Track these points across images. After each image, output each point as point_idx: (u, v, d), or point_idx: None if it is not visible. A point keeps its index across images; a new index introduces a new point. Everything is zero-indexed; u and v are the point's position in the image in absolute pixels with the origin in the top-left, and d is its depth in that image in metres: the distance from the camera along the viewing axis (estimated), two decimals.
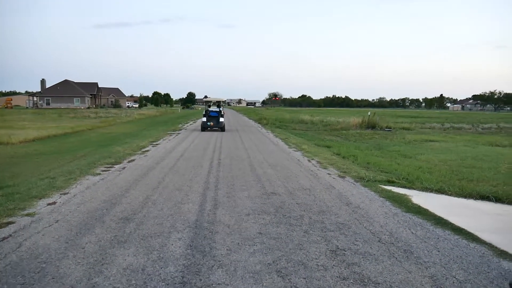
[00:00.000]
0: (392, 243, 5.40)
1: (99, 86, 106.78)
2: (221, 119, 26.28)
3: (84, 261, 4.59)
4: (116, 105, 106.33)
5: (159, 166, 11.35)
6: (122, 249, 5.00)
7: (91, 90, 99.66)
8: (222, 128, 26.21)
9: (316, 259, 4.78)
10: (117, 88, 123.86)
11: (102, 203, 7.19)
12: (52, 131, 24.24)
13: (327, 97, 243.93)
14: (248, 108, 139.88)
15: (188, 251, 4.96)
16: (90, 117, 45.84)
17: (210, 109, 27.25)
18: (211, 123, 26.07)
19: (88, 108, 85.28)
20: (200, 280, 4.20)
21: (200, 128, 26.56)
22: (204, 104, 31.01)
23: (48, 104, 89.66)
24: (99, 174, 10.00)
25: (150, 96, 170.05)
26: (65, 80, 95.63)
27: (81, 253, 4.82)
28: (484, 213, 7.21)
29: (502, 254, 5.04)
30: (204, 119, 26.35)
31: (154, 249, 5.02)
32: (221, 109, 27.23)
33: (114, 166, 11.25)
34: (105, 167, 10.94)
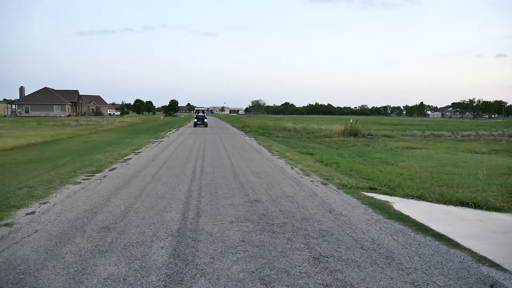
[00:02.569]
0: (374, 249, 5.45)
1: (80, 93, 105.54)
2: (205, 120, 46.19)
3: (64, 272, 4.51)
4: (98, 113, 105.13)
5: (141, 174, 11.25)
6: (103, 258, 4.92)
7: (72, 98, 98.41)
8: (205, 125, 45.14)
9: (299, 266, 4.79)
10: (99, 96, 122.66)
11: (82, 212, 7.09)
12: (31, 140, 23.82)
13: (310, 104, 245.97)
14: (231, 116, 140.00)
15: (171, 260, 4.92)
16: (70, 125, 45.22)
17: (199, 114, 47.56)
18: (199, 122, 45.35)
19: (69, 116, 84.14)
20: None
21: (182, 135, 30.39)
22: (195, 112, 55.30)
23: (27, 112, 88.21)
24: (80, 183, 9.86)
25: (132, 103, 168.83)
26: (45, 87, 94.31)
27: (61, 264, 4.73)
28: (464, 219, 7.33)
29: (481, 259, 5.13)
30: (195, 119, 46.38)
31: (136, 258, 4.96)
32: (204, 114, 47.73)
33: (95, 174, 11.11)
34: (86, 176, 10.79)
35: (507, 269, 4.77)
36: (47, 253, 5.08)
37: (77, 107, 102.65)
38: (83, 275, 4.44)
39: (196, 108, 58.49)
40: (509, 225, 7.00)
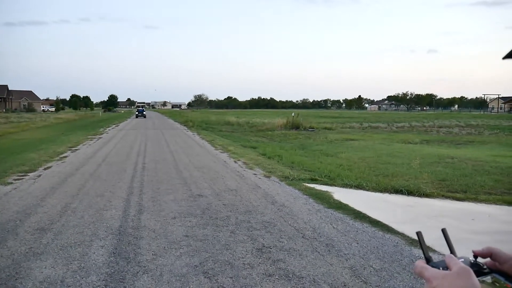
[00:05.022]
0: (315, 238, 5.63)
1: (10, 89, 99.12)
2: (144, 112, 61.95)
3: None
4: (30, 109, 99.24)
5: (79, 173, 10.81)
6: (38, 261, 4.70)
7: (0, 93, 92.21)
8: (144, 116, 59.88)
9: (242, 258, 4.85)
10: (31, 91, 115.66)
11: (14, 214, 6.71)
12: None
13: (252, 98, 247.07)
14: (174, 111, 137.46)
15: (112, 259, 4.79)
16: None
17: (139, 108, 64.79)
18: (140, 114, 60.28)
19: None
20: (125, 287, 4.08)
21: (122, 131, 29.59)
22: (136, 106, 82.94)
23: None
24: (11, 183, 9.31)
25: (68, 99, 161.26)
26: None
27: None
28: (398, 206, 7.75)
29: (414, 242, 5.45)
30: (137, 112, 62.23)
31: (75, 259, 4.78)
32: (143, 108, 66.01)
33: (29, 174, 10.53)
34: (18, 176, 10.20)
35: (436, 250, 5.10)
36: None
37: (7, 103, 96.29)
38: (16, 279, 4.22)
39: (136, 104, 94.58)
40: (439, 209, 7.47)
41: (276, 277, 4.33)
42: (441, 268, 0.83)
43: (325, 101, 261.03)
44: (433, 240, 5.57)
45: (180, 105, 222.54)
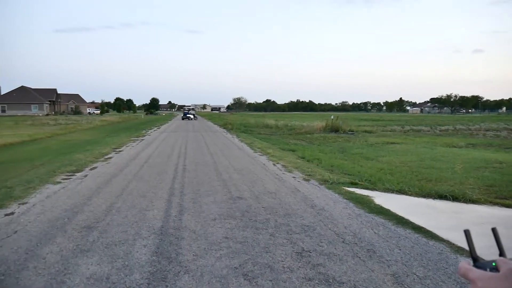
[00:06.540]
0: (356, 243, 5.54)
1: (58, 92, 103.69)
2: (188, 115, 63.19)
3: (45, 272, 4.46)
4: (77, 112, 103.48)
5: (123, 173, 11.15)
6: (85, 258, 4.89)
7: (50, 97, 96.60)
8: (188, 118, 61.91)
9: (282, 261, 4.84)
10: (78, 94, 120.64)
11: (63, 212, 7.00)
12: (8, 139, 23.30)
13: (291, 101, 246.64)
14: (213, 113, 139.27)
15: (154, 258, 4.91)
16: (49, 124, 44.37)
17: (185, 111, 66.16)
18: (185, 117, 62.32)
19: (47, 115, 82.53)
20: (166, 286, 4.16)
21: (163, 133, 30.28)
22: (182, 109, 78.08)
23: (3, 111, 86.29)
24: (60, 182, 9.72)
25: (112, 102, 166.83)
26: (22, 86, 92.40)
27: (42, 264, 4.68)
28: (442, 212, 7.49)
29: (459, 250, 5.26)
30: (182, 115, 65.75)
31: (119, 257, 4.93)
32: (189, 111, 65.76)
33: (76, 174, 10.96)
34: (66, 175, 10.64)
35: (483, 259, 4.90)
36: (27, 253, 5.01)
37: (56, 106, 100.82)
38: (65, 275, 4.40)
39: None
40: (486, 216, 7.18)
41: (316, 281, 4.29)
42: (488, 269, 0.81)
43: (365, 103, 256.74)
44: (481, 248, 5.36)
45: (219, 108, 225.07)
